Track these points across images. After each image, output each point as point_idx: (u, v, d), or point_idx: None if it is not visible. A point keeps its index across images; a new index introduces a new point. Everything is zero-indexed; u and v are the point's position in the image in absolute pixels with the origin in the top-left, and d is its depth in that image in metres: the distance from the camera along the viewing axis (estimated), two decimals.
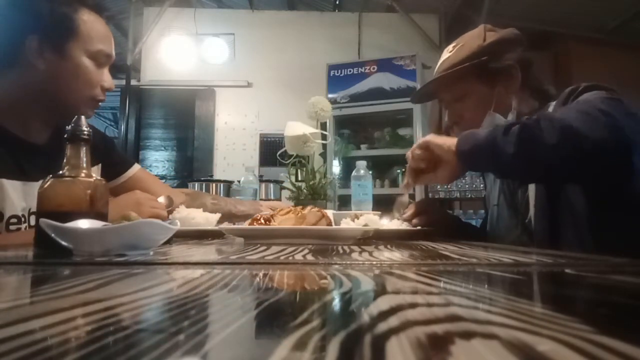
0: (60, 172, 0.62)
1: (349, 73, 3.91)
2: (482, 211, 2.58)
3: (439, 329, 0.19)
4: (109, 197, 0.68)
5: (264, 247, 0.66)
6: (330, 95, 3.83)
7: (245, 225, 0.91)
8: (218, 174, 4.25)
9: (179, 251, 0.62)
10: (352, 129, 3.99)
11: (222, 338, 0.18)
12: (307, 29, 4.64)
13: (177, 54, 4.39)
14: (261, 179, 2.89)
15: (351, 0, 4.69)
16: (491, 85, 1.04)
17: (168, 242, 0.70)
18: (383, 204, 1.26)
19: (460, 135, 0.88)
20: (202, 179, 3.28)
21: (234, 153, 4.50)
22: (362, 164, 1.36)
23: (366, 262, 0.47)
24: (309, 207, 0.85)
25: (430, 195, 3.50)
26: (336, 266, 0.44)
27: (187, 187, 2.94)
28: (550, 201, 0.93)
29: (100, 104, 0.99)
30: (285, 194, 1.36)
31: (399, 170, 3.58)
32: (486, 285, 0.35)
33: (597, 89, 0.88)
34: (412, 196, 2.64)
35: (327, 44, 4.50)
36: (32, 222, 0.90)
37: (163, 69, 4.50)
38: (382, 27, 4.56)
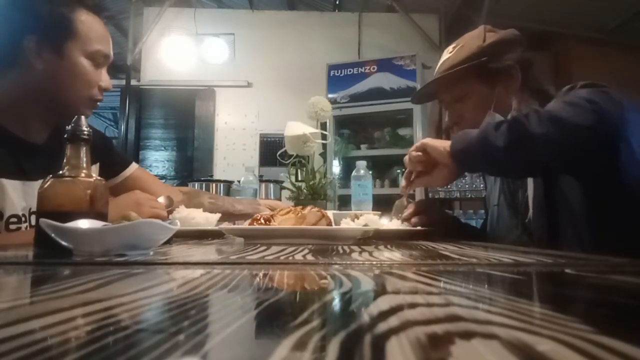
0: (60, 172, 0.62)
1: (349, 73, 3.91)
2: (482, 211, 2.58)
3: (439, 329, 0.19)
4: (109, 197, 0.68)
5: (264, 247, 0.66)
6: (330, 95, 3.83)
7: (245, 225, 0.91)
8: (218, 174, 4.24)
9: (179, 251, 0.62)
10: (352, 129, 3.99)
11: (222, 338, 0.18)
12: (307, 29, 4.64)
13: (177, 54, 4.39)
14: (261, 179, 2.88)
15: (351, 0, 4.69)
16: (491, 86, 1.04)
17: (168, 242, 0.70)
18: (383, 204, 1.26)
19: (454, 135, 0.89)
20: (202, 179, 3.27)
21: (234, 153, 4.50)
22: (362, 164, 1.36)
23: (366, 262, 0.47)
24: (309, 207, 0.85)
25: (430, 195, 3.49)
26: (336, 266, 0.44)
27: (186, 186, 2.93)
28: (549, 200, 0.94)
29: (98, 104, 0.99)
30: (285, 194, 1.36)
31: (399, 171, 3.58)
32: (486, 285, 0.35)
33: (593, 87, 0.89)
34: (412, 196, 2.64)
35: (327, 44, 4.50)
36: (34, 221, 0.90)
37: (163, 69, 4.50)
38: (382, 27, 4.56)
